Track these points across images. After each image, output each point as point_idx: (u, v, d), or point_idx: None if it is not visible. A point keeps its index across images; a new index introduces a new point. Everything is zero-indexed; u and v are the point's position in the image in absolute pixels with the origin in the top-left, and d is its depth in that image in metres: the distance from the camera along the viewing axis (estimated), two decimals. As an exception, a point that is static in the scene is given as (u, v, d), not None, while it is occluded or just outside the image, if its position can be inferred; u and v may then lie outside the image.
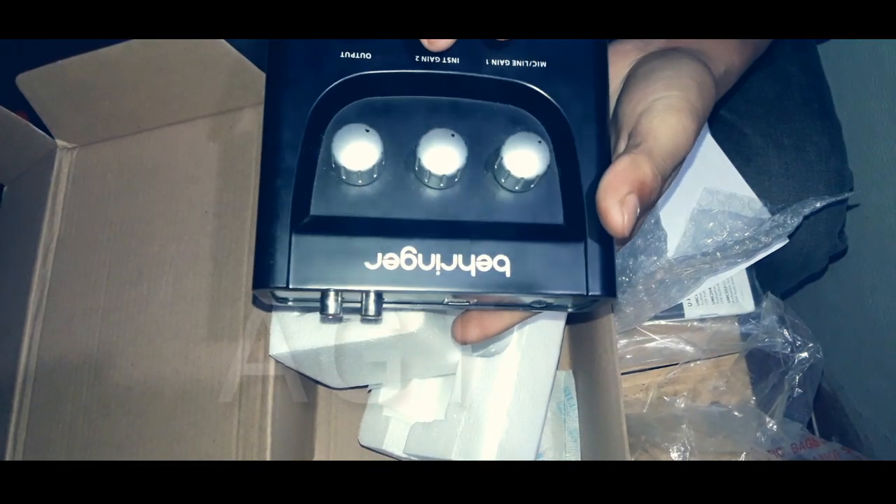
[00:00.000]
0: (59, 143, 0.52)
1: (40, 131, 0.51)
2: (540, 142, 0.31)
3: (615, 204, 0.30)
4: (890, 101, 0.60)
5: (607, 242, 0.32)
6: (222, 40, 0.43)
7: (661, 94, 0.34)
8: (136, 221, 0.48)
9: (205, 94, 0.47)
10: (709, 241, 0.53)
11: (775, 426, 0.55)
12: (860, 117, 0.63)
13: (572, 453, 0.53)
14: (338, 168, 0.31)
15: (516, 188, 0.32)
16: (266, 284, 0.30)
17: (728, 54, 0.40)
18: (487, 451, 0.42)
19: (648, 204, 0.32)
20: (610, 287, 0.32)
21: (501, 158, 0.31)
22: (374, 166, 0.30)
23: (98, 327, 0.46)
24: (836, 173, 0.56)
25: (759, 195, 0.55)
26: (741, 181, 0.56)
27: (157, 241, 0.47)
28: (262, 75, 0.45)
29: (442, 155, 0.30)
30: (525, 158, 0.31)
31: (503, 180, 0.32)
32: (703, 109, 0.34)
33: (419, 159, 0.30)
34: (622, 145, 0.34)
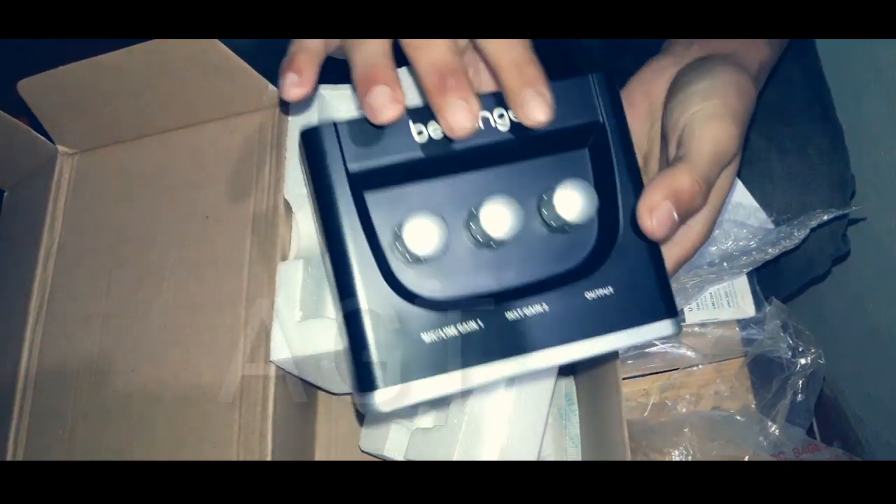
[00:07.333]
0: (60, 148, 0.52)
1: (41, 137, 0.51)
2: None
3: (646, 210, 0.32)
4: (889, 105, 0.60)
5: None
6: (224, 46, 0.43)
7: (700, 105, 0.37)
8: (137, 227, 0.48)
9: (206, 99, 0.47)
10: (713, 248, 0.54)
11: (777, 431, 0.55)
12: (860, 121, 0.63)
13: (573, 459, 0.53)
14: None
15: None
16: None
17: (758, 51, 0.41)
18: (489, 456, 0.42)
19: (691, 208, 0.34)
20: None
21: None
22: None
23: (98, 333, 0.46)
24: (838, 176, 0.56)
25: (761, 198, 0.55)
26: (744, 191, 0.56)
27: (158, 247, 0.47)
28: (264, 80, 0.45)
29: (503, 219, 0.31)
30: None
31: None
32: (742, 111, 0.37)
33: (482, 228, 0.31)
34: (670, 159, 0.36)
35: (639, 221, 0.32)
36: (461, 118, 0.30)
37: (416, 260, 0.32)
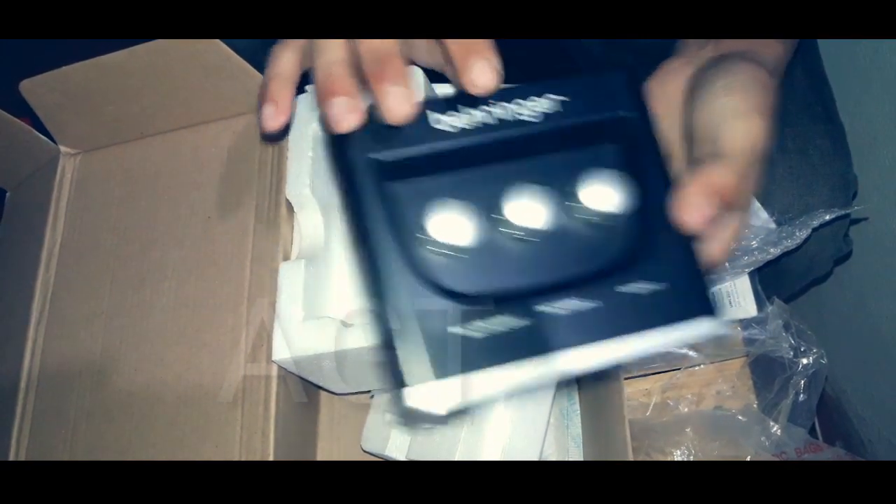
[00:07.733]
0: (63, 148, 0.52)
1: (44, 137, 0.51)
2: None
3: (686, 206, 0.32)
4: (891, 105, 0.60)
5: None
6: (224, 46, 0.43)
7: (725, 102, 0.36)
8: (139, 227, 0.48)
9: (207, 99, 0.47)
10: (715, 248, 0.53)
11: (779, 431, 0.55)
12: (862, 121, 0.63)
13: (575, 458, 0.53)
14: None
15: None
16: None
17: (771, 48, 0.41)
18: (491, 456, 0.42)
19: (732, 205, 0.33)
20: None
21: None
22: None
23: (101, 333, 0.46)
24: (840, 177, 0.56)
25: (763, 198, 0.55)
26: None
27: (160, 247, 0.47)
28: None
29: (531, 210, 0.31)
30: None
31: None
32: (767, 104, 0.36)
33: (510, 219, 0.31)
34: (696, 158, 0.36)
35: (677, 217, 0.32)
36: (396, 104, 0.30)
37: (444, 251, 0.31)
